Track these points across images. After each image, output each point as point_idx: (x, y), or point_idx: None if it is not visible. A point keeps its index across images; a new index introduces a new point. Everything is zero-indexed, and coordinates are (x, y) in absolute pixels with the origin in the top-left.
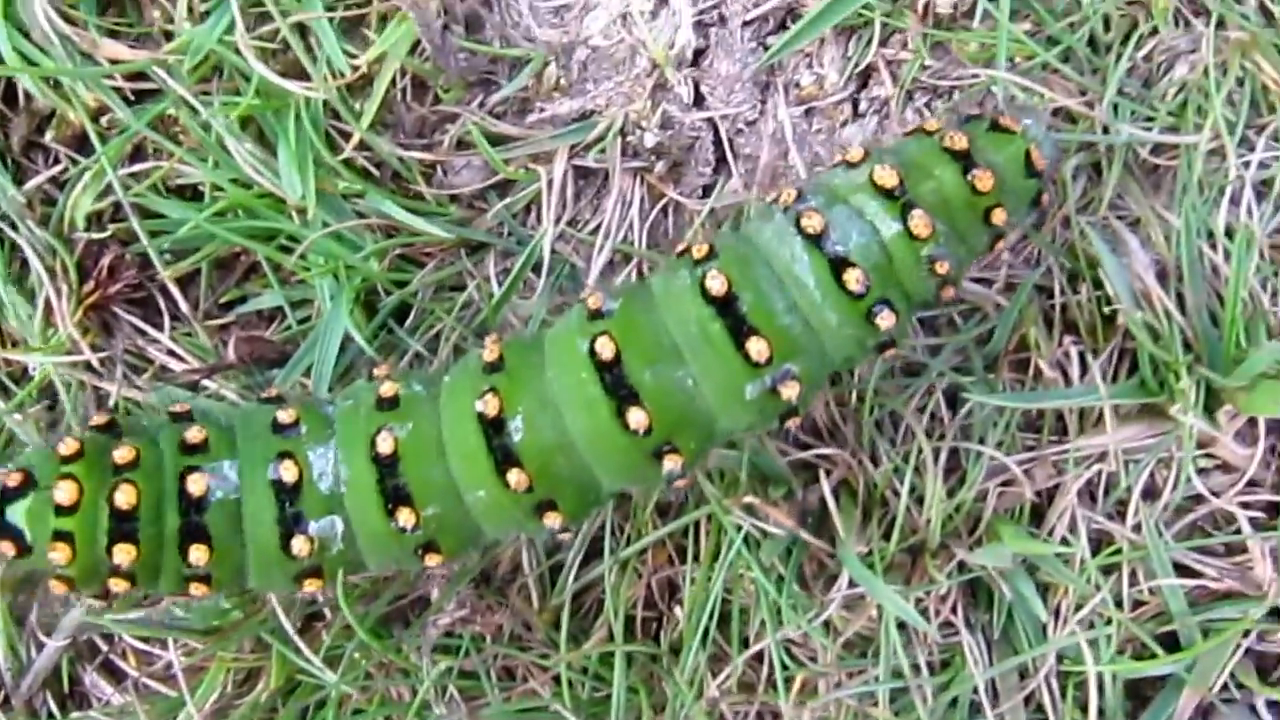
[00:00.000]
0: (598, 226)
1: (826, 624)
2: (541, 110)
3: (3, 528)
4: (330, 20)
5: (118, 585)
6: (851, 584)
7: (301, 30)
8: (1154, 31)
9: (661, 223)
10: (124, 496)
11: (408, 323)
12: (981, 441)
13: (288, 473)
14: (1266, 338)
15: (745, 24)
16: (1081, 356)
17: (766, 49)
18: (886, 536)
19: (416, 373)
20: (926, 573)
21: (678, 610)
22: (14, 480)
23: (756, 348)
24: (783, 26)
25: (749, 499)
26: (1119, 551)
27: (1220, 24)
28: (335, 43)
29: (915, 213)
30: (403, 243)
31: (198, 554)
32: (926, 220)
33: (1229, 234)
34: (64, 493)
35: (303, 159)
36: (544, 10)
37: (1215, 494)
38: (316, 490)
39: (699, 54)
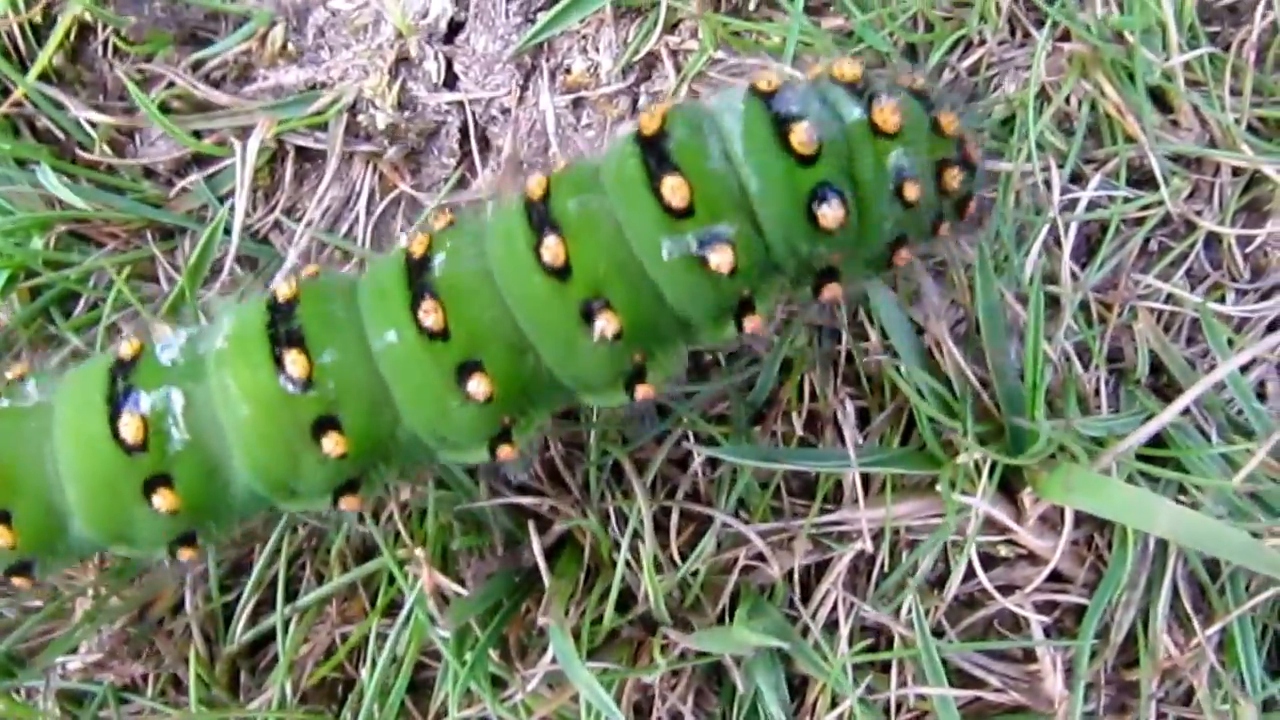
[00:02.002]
0: (316, 216)
1: (525, 705)
2: (265, 78)
3: None
4: None
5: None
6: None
7: None
8: (983, 40)
9: (393, 218)
10: None
11: (76, 312)
12: (738, 505)
13: (126, 347)
14: (1079, 409)
15: None
16: (861, 413)
17: (534, 25)
18: (620, 605)
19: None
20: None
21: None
22: None
23: (671, 184)
24: (555, 2)
25: (419, 551)
26: (893, 646)
27: (1064, 38)
28: None
29: (883, 101)
30: (74, 218)
31: None
32: (895, 115)
33: (1051, 280)
34: None
35: None
36: None
37: (1014, 587)
38: (154, 361)
39: (455, 27)
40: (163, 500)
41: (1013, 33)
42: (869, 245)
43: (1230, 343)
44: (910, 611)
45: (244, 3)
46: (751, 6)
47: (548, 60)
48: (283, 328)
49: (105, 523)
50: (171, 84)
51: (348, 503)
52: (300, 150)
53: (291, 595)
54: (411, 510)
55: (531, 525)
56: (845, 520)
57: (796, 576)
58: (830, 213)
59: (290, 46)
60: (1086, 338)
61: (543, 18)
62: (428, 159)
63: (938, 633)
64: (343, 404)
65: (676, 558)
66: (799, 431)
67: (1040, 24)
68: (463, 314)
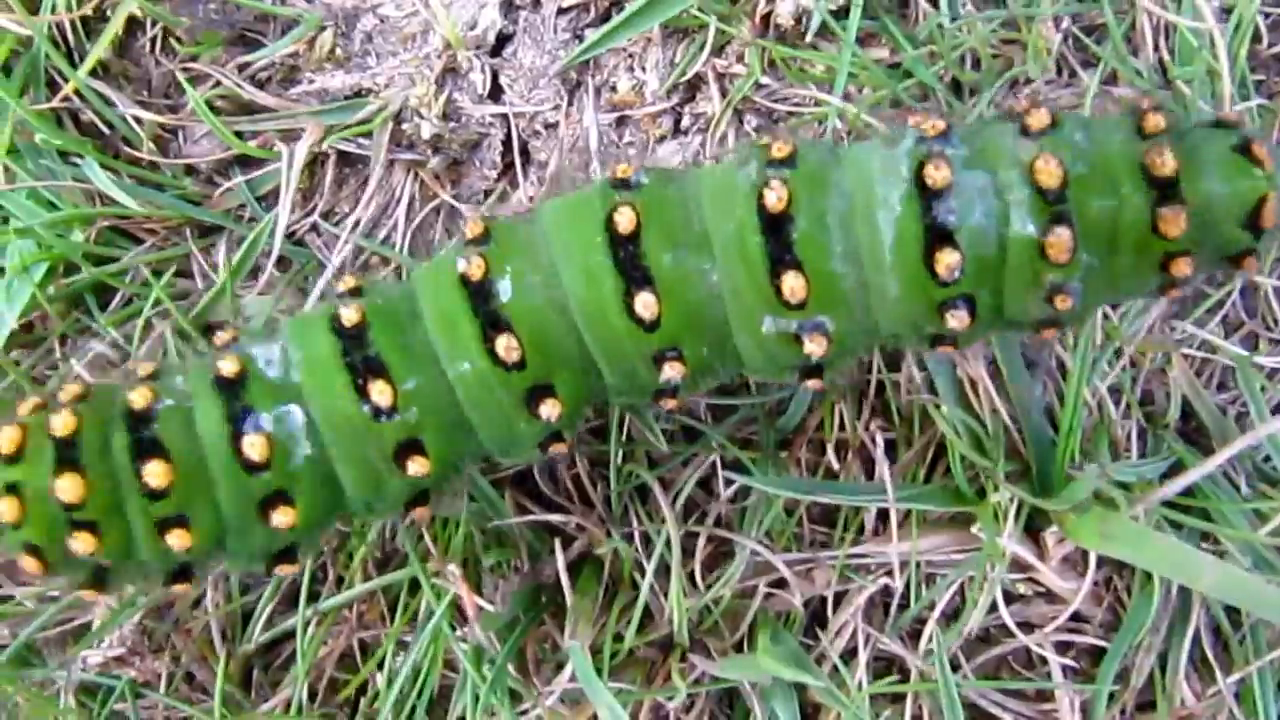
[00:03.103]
0: (358, 222)
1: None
2: (310, 81)
3: None
4: None
5: (80, 543)
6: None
7: None
8: (1029, 79)
9: (432, 226)
10: (60, 420)
11: (112, 306)
12: (761, 531)
13: (226, 365)
14: (1110, 455)
15: (561, 10)
16: (890, 446)
17: (582, 42)
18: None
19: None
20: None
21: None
22: None
23: (791, 285)
24: (605, 20)
25: (451, 566)
26: (908, 678)
27: (1111, 79)
28: None
29: (1058, 232)
30: (115, 214)
31: (154, 472)
32: (1069, 246)
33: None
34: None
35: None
36: None
37: (1033, 626)
38: (263, 379)
39: (503, 40)
40: (282, 517)
41: (1059, 72)
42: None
43: (1263, 389)
44: (929, 643)
45: (294, 6)
46: (806, 36)
47: (593, 77)
48: (358, 355)
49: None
50: (217, 84)
51: (419, 513)
52: (341, 155)
53: (312, 597)
54: (437, 522)
55: (557, 542)
56: (869, 553)
57: (818, 606)
58: (956, 322)
59: (338, 51)
60: (1119, 381)
61: (591, 35)
62: (469, 170)
63: (954, 667)
64: (424, 428)
65: (700, 581)
66: (826, 460)
67: (1089, 65)
68: (537, 345)
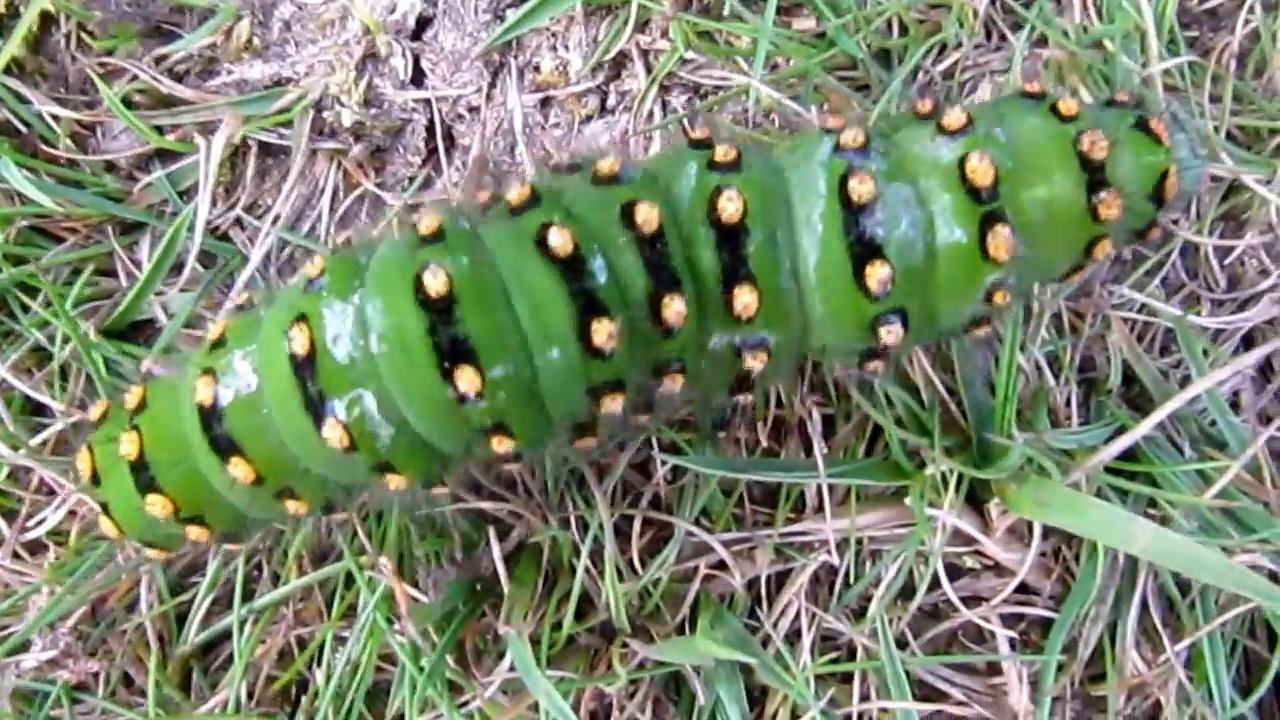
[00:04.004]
0: (279, 215)
1: (482, 712)
2: (229, 72)
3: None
4: None
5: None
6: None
7: None
8: (958, 44)
9: (356, 216)
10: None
11: (34, 307)
12: (700, 513)
13: (297, 341)
14: (1050, 423)
15: None
16: (827, 421)
17: (503, 22)
18: (578, 612)
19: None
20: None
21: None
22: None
23: (744, 301)
24: None
25: (383, 559)
26: (855, 657)
27: (1041, 43)
28: None
29: (999, 231)
30: (35, 213)
31: (237, 468)
32: (1009, 245)
33: None
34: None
35: None
36: None
37: (982, 600)
38: (331, 359)
39: (423, 23)
40: (394, 481)
41: (989, 36)
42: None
43: (1205, 353)
44: (873, 622)
45: None
46: (726, 8)
47: (516, 58)
48: (445, 334)
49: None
50: (134, 78)
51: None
52: (263, 146)
53: (248, 595)
54: (369, 514)
55: (491, 531)
56: (809, 530)
57: (760, 586)
58: (888, 337)
59: (255, 41)
60: (1057, 348)
61: (512, 15)
62: (393, 157)
63: (901, 644)
64: (511, 412)
65: (637, 565)
66: (764, 439)
67: (1017, 28)
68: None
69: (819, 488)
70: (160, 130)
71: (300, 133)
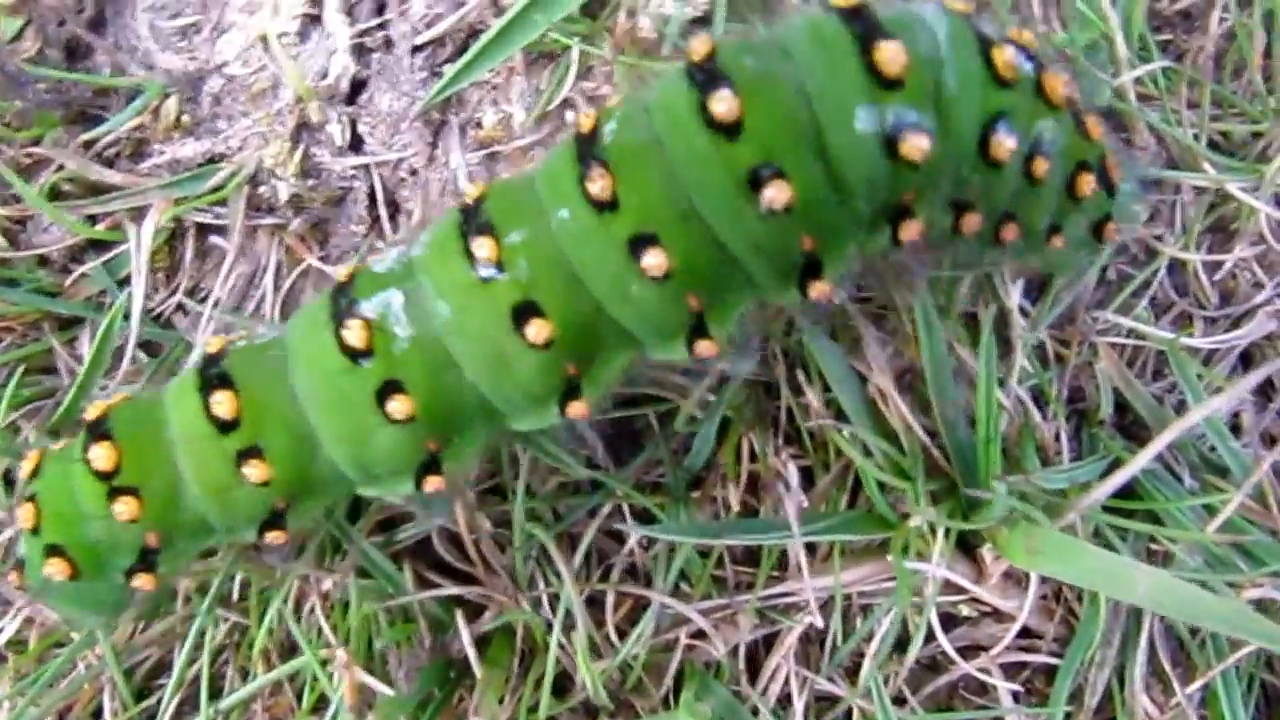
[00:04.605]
0: (219, 299)
1: None
2: (160, 153)
3: None
4: None
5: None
6: None
7: None
8: None
9: (303, 291)
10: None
11: None
12: (679, 577)
13: (343, 270)
14: (1038, 458)
15: (416, 49)
16: (805, 472)
17: (441, 79)
18: (559, 690)
19: None
20: None
21: None
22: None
23: (889, 49)
24: (462, 52)
25: (340, 652)
26: (851, 718)
27: None
28: None
29: (1051, 72)
30: None
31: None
32: (1067, 84)
33: (1001, 319)
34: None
35: None
36: (167, 32)
37: (980, 647)
38: (370, 273)
39: (358, 86)
40: (399, 406)
41: None
42: (991, 204)
43: (1200, 376)
44: (868, 682)
45: (133, 76)
46: (663, 47)
47: (457, 114)
48: (473, 223)
49: (346, 444)
50: (61, 167)
51: (575, 409)
52: (201, 227)
53: (215, 694)
54: (334, 604)
55: (459, 614)
56: (792, 591)
57: (743, 651)
58: (1002, 143)
59: (185, 118)
60: (1042, 380)
61: (450, 70)
62: (336, 228)
63: (899, 701)
64: (539, 287)
65: (614, 639)
66: (741, 496)
67: None
68: (632, 182)
69: (799, 549)
70: (93, 219)
71: (236, 210)
